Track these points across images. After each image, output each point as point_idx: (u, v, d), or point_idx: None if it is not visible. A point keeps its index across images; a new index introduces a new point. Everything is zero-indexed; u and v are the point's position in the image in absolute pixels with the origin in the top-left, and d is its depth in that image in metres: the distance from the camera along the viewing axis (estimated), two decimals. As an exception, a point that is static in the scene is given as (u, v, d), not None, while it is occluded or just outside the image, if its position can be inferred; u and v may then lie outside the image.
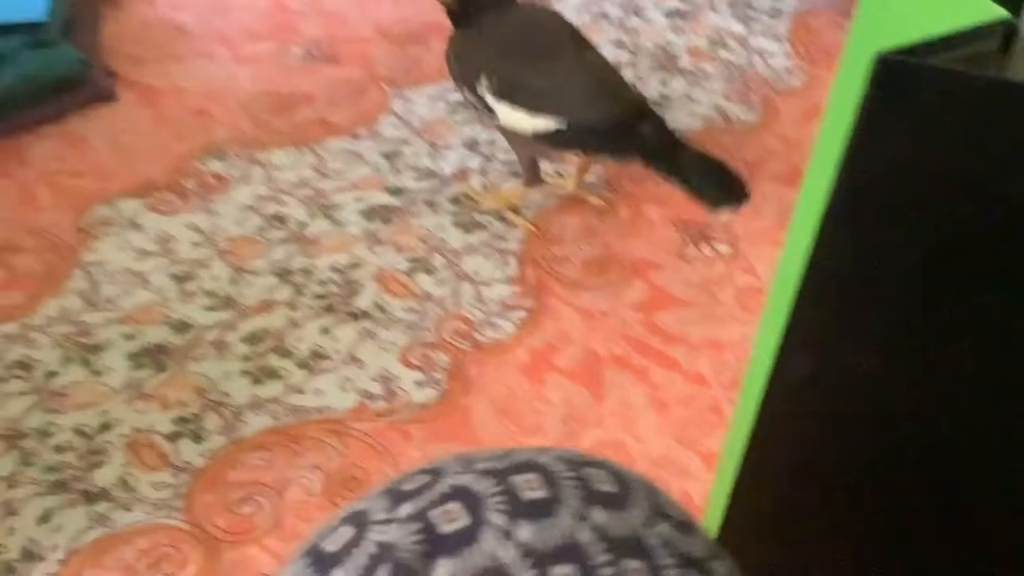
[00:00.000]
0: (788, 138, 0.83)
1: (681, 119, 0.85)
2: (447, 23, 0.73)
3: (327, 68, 0.87)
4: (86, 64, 0.81)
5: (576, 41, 0.69)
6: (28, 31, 0.80)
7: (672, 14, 0.97)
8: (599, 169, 0.79)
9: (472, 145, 0.81)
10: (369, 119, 0.82)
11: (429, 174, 0.78)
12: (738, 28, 0.95)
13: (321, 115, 0.82)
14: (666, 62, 0.91)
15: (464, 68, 0.70)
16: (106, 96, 0.81)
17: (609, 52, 0.91)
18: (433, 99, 0.85)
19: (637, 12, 0.97)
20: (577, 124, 0.66)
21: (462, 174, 0.78)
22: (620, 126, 0.65)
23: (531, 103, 0.66)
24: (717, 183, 0.63)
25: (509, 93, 0.67)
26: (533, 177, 0.71)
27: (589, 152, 0.70)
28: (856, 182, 0.28)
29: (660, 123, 0.65)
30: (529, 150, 0.71)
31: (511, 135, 0.69)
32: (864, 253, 0.30)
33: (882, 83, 0.27)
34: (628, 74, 0.89)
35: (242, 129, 0.80)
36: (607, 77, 0.68)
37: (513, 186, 0.76)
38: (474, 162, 0.79)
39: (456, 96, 0.84)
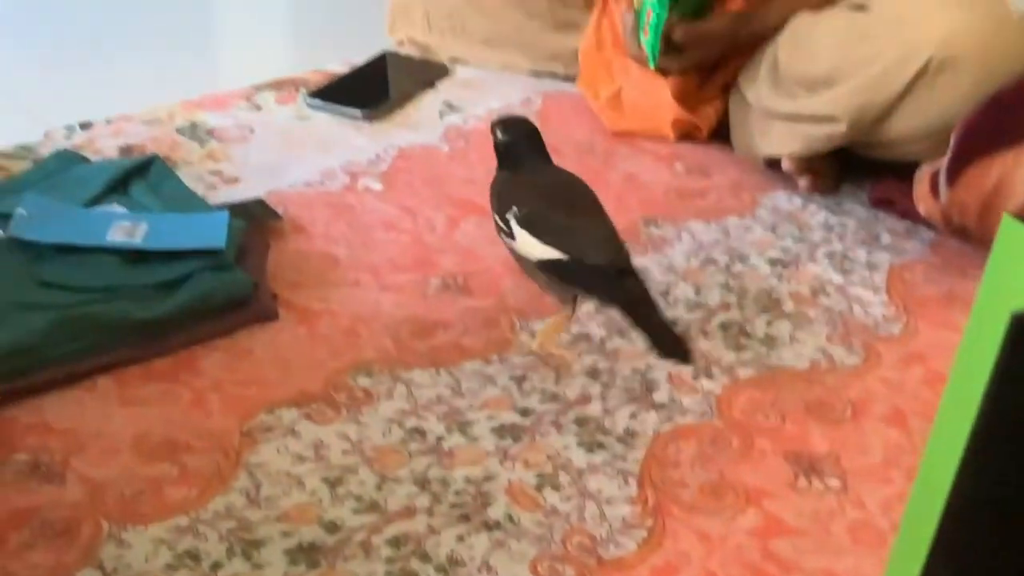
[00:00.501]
0: (890, 381, 0.89)
1: (787, 358, 0.91)
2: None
3: (462, 298, 0.96)
4: (254, 286, 0.91)
5: (593, 203, 0.86)
6: (207, 256, 0.91)
7: (775, 262, 1.05)
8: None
9: (593, 373, 0.88)
10: (500, 345, 0.91)
11: (554, 397, 0.85)
12: (837, 278, 1.03)
13: (456, 340, 0.91)
14: (770, 305, 0.98)
15: (501, 200, 0.86)
16: (270, 315, 0.91)
17: (716, 294, 1.00)
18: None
19: (741, 259, 1.06)
20: (577, 260, 0.80)
21: (584, 399, 0.85)
22: (611, 272, 0.80)
23: (545, 236, 0.82)
24: (672, 342, 0.78)
25: (530, 224, 0.82)
26: (570, 309, 0.88)
27: (580, 287, 0.84)
28: (995, 429, 0.34)
29: (641, 283, 0.81)
30: (534, 276, 0.86)
31: (522, 259, 0.85)
32: (1006, 495, 0.35)
33: (1018, 340, 0.33)
34: (734, 315, 0.97)
35: (387, 350, 0.89)
36: (609, 235, 0.84)
37: (554, 320, 0.89)
38: (595, 388, 0.86)
39: (578, 329, 0.93)
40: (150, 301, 0.87)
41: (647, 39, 1.18)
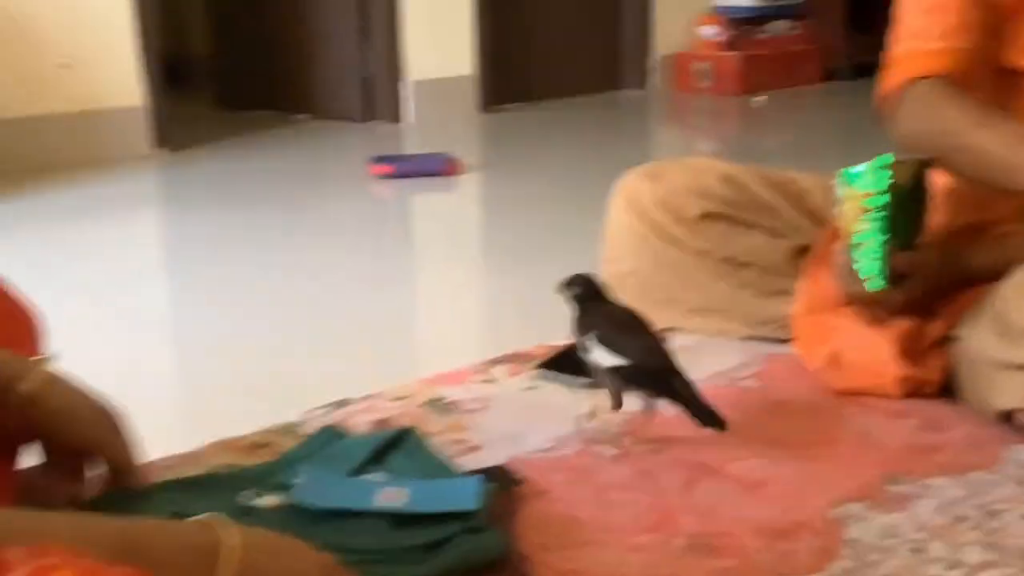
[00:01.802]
0: None
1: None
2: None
3: (709, 559, 0.97)
4: (508, 547, 0.95)
5: (646, 327, 1.18)
6: (464, 519, 0.96)
7: (1032, 518, 1.01)
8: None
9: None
10: (753, 606, 0.89)
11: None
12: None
13: (708, 601, 0.91)
14: (1034, 564, 0.94)
15: (582, 326, 1.19)
16: (525, 575, 0.93)
17: (975, 553, 0.96)
18: (809, 591, 0.91)
19: (993, 515, 1.02)
20: (636, 365, 1.14)
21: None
22: (661, 373, 1.14)
23: (615, 348, 1.14)
24: (707, 415, 1.13)
25: (605, 341, 1.15)
26: (617, 403, 1.18)
27: (637, 386, 1.16)
28: None
29: (684, 380, 1.14)
30: (604, 379, 1.18)
31: (596, 367, 1.18)
32: None
33: None
34: (1003, 573, 0.92)
35: (639, 610, 0.89)
36: (658, 347, 1.16)
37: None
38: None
39: (830, 588, 0.91)
40: (415, 563, 0.92)
41: (866, 267, 1.22)
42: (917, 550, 0.97)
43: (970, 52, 1.30)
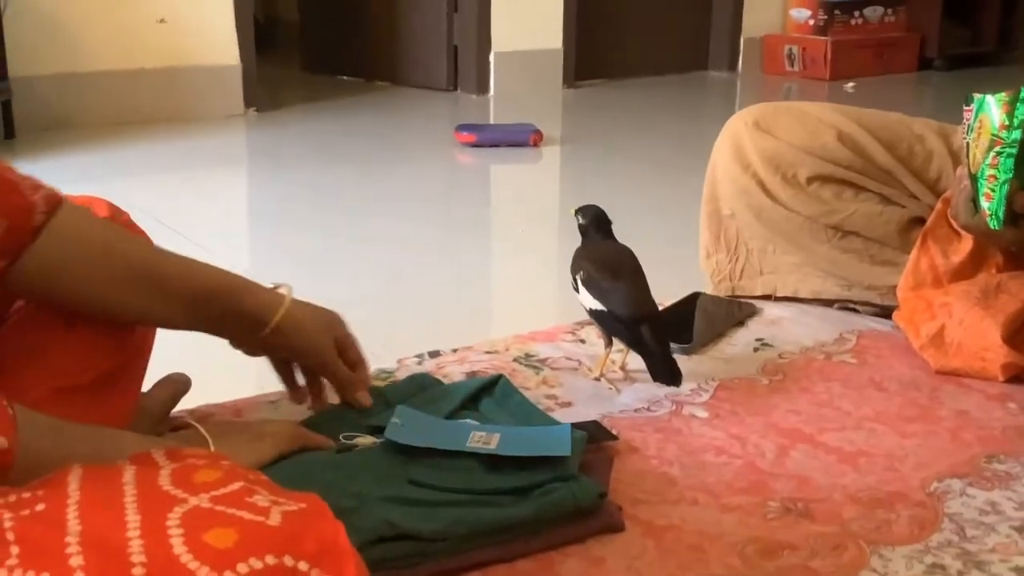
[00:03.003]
0: None
1: None
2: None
3: (804, 522, 0.96)
4: (599, 497, 0.95)
5: (634, 271, 1.21)
6: (556, 466, 0.96)
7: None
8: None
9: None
10: (850, 570, 0.88)
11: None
12: None
13: (805, 563, 0.90)
14: None
15: (574, 265, 1.24)
16: (616, 526, 0.93)
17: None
18: (909, 558, 0.90)
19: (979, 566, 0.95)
20: (611, 311, 1.18)
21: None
22: (632, 321, 1.17)
23: (595, 293, 1.19)
24: (665, 372, 1.17)
25: (588, 284, 1.20)
26: (607, 341, 1.23)
27: (611, 332, 1.21)
28: None
29: (656, 331, 1.17)
30: (592, 319, 1.24)
31: (584, 308, 1.22)
32: None
33: None
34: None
35: (734, 567, 0.89)
36: (636, 295, 1.19)
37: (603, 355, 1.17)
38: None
39: (928, 558, 0.89)
40: (505, 505, 0.92)
41: (990, 203, 1.15)
42: (1019, 528, 0.95)
43: None
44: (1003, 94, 1.15)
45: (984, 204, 1.17)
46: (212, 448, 0.87)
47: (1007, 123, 1.13)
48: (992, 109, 1.15)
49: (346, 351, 1.06)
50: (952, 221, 1.29)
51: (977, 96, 1.19)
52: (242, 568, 0.49)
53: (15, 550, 0.49)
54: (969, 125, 1.20)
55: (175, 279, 0.93)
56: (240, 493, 0.55)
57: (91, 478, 0.56)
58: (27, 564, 0.48)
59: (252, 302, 0.97)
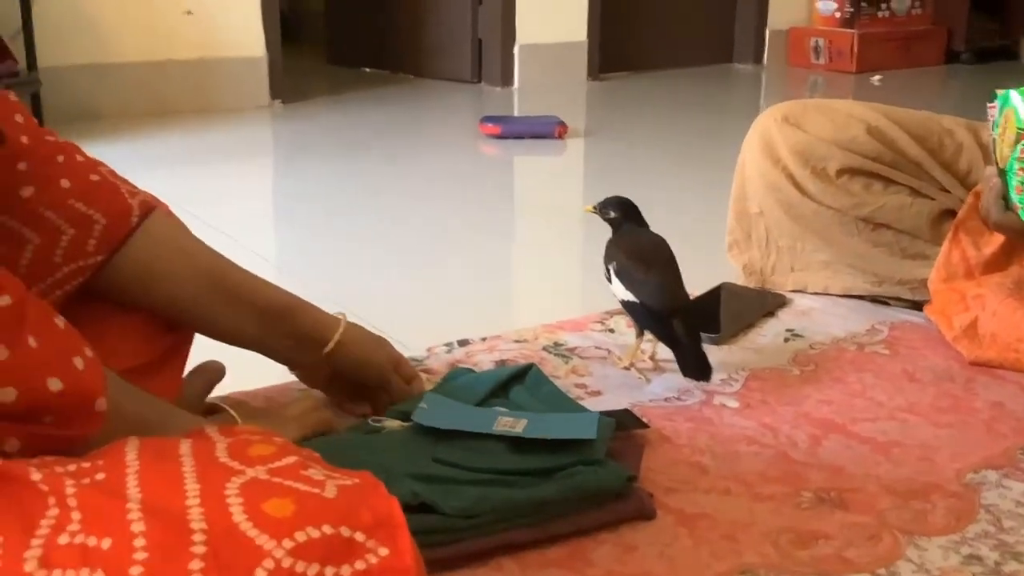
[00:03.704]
0: None
1: None
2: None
3: (839, 512, 0.95)
4: (630, 482, 0.95)
5: (668, 262, 1.21)
6: (582, 450, 0.96)
7: None
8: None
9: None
10: (887, 560, 0.88)
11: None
12: None
13: (839, 553, 0.89)
14: None
15: (608, 255, 1.23)
16: (648, 513, 0.93)
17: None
18: (945, 549, 0.89)
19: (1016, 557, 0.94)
20: (643, 303, 1.17)
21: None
22: (663, 314, 1.17)
23: (628, 284, 1.18)
24: (695, 366, 1.16)
25: (621, 275, 1.20)
26: (639, 332, 1.23)
27: (642, 324, 1.20)
28: None
29: (688, 323, 1.16)
30: (624, 309, 1.23)
31: (617, 298, 1.22)
32: None
33: None
34: None
35: (768, 556, 0.88)
36: (668, 287, 1.19)
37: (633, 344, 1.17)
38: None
39: (965, 549, 0.88)
40: (530, 485, 0.92)
41: (1020, 195, 1.15)
42: (1057, 521, 0.94)
43: None
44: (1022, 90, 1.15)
45: (1015, 198, 1.17)
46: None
47: None
48: (1017, 103, 1.15)
49: (400, 366, 1.10)
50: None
51: (1001, 92, 1.19)
52: (300, 536, 0.50)
53: (77, 515, 0.49)
54: (994, 121, 1.20)
55: (247, 291, 1.00)
56: (295, 467, 0.56)
57: (149, 450, 0.56)
58: (89, 530, 0.48)
59: (313, 321, 1.03)
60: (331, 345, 1.03)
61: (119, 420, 0.68)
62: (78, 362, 0.65)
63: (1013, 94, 1.16)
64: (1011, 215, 1.18)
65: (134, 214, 0.92)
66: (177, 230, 0.98)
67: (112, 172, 0.95)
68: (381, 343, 1.10)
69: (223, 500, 0.51)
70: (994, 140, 1.20)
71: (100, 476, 0.53)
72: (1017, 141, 1.15)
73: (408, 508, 0.85)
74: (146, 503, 0.50)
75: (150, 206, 0.94)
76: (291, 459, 0.56)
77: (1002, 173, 1.19)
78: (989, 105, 1.21)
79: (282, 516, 0.50)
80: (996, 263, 1.30)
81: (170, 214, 0.99)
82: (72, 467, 0.54)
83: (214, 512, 0.50)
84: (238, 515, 0.50)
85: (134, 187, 0.95)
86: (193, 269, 0.96)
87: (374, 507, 0.54)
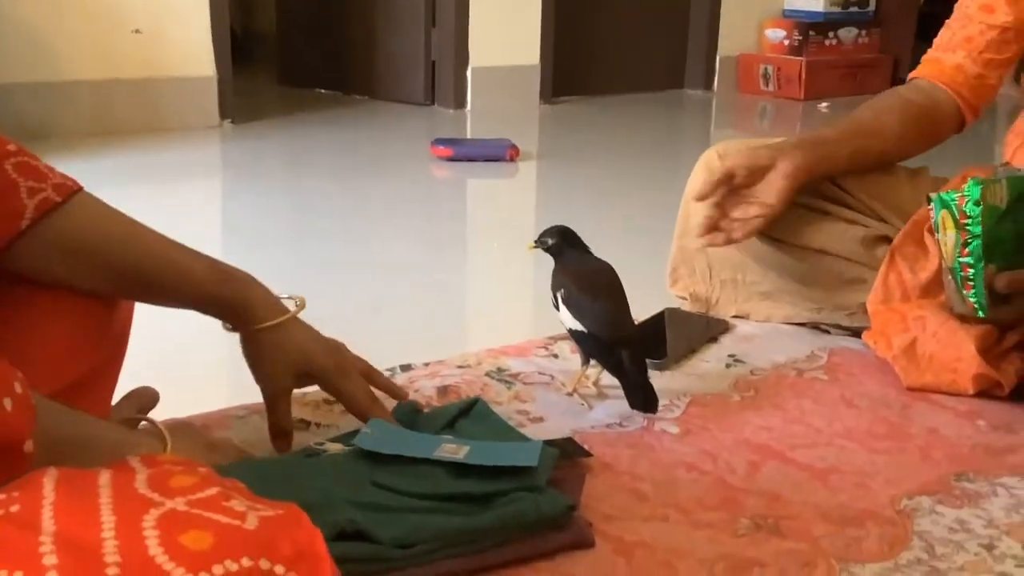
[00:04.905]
0: None
1: None
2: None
3: (775, 539, 0.96)
4: (569, 511, 0.95)
5: (616, 290, 1.20)
6: (522, 478, 0.96)
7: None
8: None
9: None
10: (821, 588, 0.88)
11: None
12: None
13: (775, 580, 0.90)
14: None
15: (554, 282, 1.22)
16: (586, 542, 0.93)
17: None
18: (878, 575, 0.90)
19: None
20: (589, 331, 1.17)
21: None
22: (611, 343, 1.16)
23: (576, 312, 1.18)
24: (641, 399, 1.16)
25: (568, 303, 1.19)
26: (584, 360, 1.23)
27: (589, 352, 1.20)
28: None
29: (636, 354, 1.16)
30: (571, 337, 1.22)
31: (564, 327, 1.21)
32: None
33: None
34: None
35: (705, 584, 0.89)
36: (616, 317, 1.18)
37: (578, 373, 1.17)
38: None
39: (898, 577, 0.90)
40: (468, 513, 0.91)
41: (972, 292, 1.21)
42: (988, 546, 0.96)
43: (960, 66, 1.47)
44: (955, 192, 1.22)
45: (968, 295, 1.22)
46: (169, 446, 0.86)
47: (968, 214, 1.20)
48: (951, 205, 1.22)
49: (372, 378, 1.09)
50: (925, 237, 1.31)
51: (934, 195, 1.26)
52: (218, 570, 0.49)
53: None
54: (935, 222, 1.26)
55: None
56: (216, 498, 0.55)
57: (66, 480, 0.55)
58: (0, 564, 0.47)
59: (259, 297, 1.05)
60: (260, 326, 1.01)
61: (45, 447, 0.66)
62: (7, 403, 0.64)
63: (945, 198, 1.23)
64: (970, 311, 1.24)
65: (26, 216, 0.89)
66: (108, 210, 1.01)
67: (23, 164, 0.93)
68: (337, 348, 1.06)
69: (139, 533, 0.50)
70: (938, 240, 1.26)
71: (15, 508, 0.52)
72: (957, 241, 1.22)
73: (345, 535, 0.85)
74: (59, 536, 0.50)
75: (60, 194, 0.94)
76: (213, 490, 0.56)
77: (951, 271, 1.25)
78: (927, 208, 1.28)
79: (199, 548, 0.50)
80: (931, 289, 1.32)
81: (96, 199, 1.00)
82: None
83: (129, 545, 0.49)
84: (154, 548, 0.49)
85: (43, 180, 0.94)
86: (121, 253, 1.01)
87: (295, 539, 0.54)
